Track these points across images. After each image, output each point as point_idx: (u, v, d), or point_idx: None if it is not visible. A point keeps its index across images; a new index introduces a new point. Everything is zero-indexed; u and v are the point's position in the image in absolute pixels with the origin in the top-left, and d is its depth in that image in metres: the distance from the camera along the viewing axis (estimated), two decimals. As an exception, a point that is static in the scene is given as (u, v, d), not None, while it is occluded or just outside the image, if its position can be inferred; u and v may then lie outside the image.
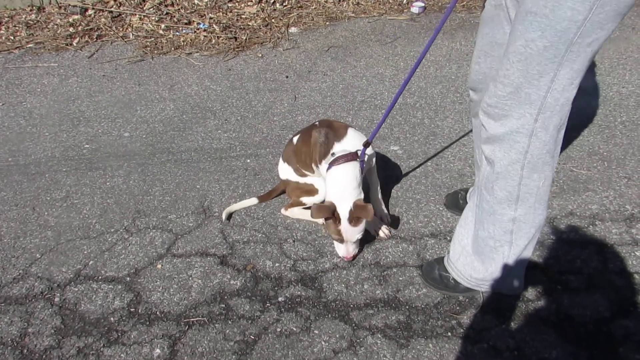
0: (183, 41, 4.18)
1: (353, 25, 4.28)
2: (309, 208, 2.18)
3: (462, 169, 2.48)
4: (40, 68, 3.92)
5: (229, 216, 2.29)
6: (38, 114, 3.32)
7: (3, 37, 4.38)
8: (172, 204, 2.41)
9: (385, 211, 2.18)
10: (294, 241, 2.14)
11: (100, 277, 2.02)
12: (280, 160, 2.24)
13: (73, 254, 2.16)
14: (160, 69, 3.80)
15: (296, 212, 2.23)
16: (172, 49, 4.09)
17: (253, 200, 2.34)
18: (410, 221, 2.19)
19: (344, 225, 1.81)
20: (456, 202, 2.15)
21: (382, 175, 2.44)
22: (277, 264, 2.02)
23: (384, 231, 2.07)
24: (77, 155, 2.85)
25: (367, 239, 2.06)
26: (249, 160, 2.70)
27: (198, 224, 2.28)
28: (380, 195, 2.16)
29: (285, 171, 2.19)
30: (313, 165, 2.00)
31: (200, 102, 3.32)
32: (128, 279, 2.01)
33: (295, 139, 2.16)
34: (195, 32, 4.29)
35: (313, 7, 4.61)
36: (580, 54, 1.25)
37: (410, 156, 2.61)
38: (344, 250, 1.88)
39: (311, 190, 2.14)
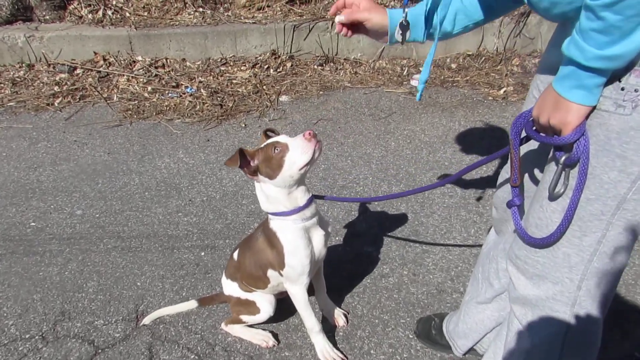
0: (167, 106, 4.06)
1: (348, 96, 4.12)
2: (251, 326, 1.92)
3: (442, 282, 2.17)
4: (14, 129, 3.82)
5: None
6: (-6, 182, 3.15)
7: (-15, 94, 4.33)
8: (103, 306, 2.15)
9: (338, 310, 2.02)
10: (229, 369, 1.83)
11: (-9, 404, 1.73)
12: (224, 277, 1.97)
13: (-27, 367, 1.88)
14: (135, 136, 3.65)
15: (237, 330, 1.95)
16: (154, 113, 3.97)
17: (192, 304, 2.07)
18: (372, 351, 1.87)
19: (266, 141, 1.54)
20: (428, 332, 1.84)
21: (347, 283, 2.15)
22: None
23: (342, 317, 1.98)
24: (19, 236, 2.63)
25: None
26: (203, 254, 2.44)
27: (126, 335, 2.00)
28: (327, 298, 2.02)
29: (229, 287, 1.93)
30: (269, 271, 1.73)
31: (168, 177, 3.11)
32: (25, 407, 1.71)
33: (235, 255, 1.90)
34: (181, 96, 4.18)
35: (308, 75, 4.49)
36: (638, 212, 1.00)
37: (385, 261, 2.32)
38: (297, 137, 1.50)
39: (253, 309, 1.86)
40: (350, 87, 4.28)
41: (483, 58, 4.56)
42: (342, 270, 2.27)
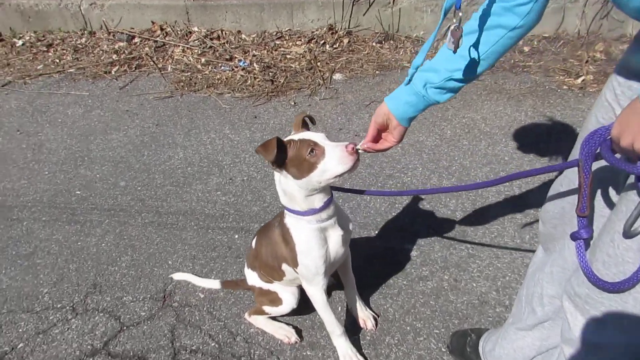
0: (218, 79, 4.02)
1: (404, 76, 3.88)
2: (274, 319, 1.84)
3: (486, 293, 1.99)
4: (71, 96, 3.92)
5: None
6: (48, 148, 3.26)
7: (49, 60, 4.49)
8: (133, 282, 2.15)
9: (367, 311, 1.90)
10: (248, 362, 1.77)
11: (17, 371, 1.77)
12: (245, 266, 1.90)
13: (6, 330, 1.95)
14: (184, 109, 3.64)
15: (260, 322, 1.89)
16: (205, 86, 3.94)
17: (215, 284, 2.05)
18: (399, 361, 1.74)
19: (300, 135, 1.37)
20: (462, 349, 1.68)
21: (381, 282, 2.02)
22: (216, 394, 1.66)
23: (370, 319, 1.87)
24: (64, 203, 2.70)
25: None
26: (236, 236, 2.39)
27: (151, 314, 1.99)
28: (358, 297, 1.89)
29: (252, 277, 1.85)
30: (283, 265, 1.64)
31: (212, 153, 3.08)
32: (48, 378, 1.74)
33: (253, 243, 1.82)
34: (233, 69, 4.12)
35: (365, 53, 4.28)
36: None
37: (426, 262, 2.16)
38: (336, 146, 1.32)
39: (275, 300, 1.79)
40: (409, 68, 4.04)
41: (561, 41, 4.15)
42: (377, 268, 2.13)
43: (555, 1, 4.04)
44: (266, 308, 1.82)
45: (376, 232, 2.35)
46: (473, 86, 3.67)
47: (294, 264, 1.57)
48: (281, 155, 1.35)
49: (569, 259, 1.20)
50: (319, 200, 1.43)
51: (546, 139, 3.00)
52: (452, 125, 3.21)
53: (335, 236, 1.55)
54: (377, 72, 4.01)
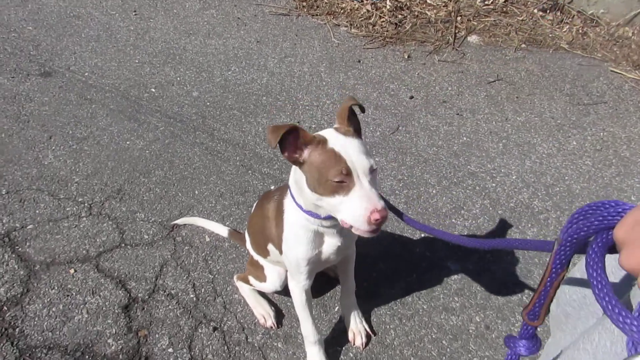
0: (342, 8, 3.69)
1: (555, 60, 3.21)
2: (261, 294, 1.72)
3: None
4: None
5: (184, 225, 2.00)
6: (150, 36, 3.28)
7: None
8: (153, 200, 2.10)
9: (362, 325, 1.63)
10: (214, 330, 1.63)
11: (16, 250, 1.83)
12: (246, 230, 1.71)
13: (26, 207, 2.03)
14: (292, 32, 3.41)
15: (245, 290, 1.73)
16: (326, 12, 3.64)
17: (223, 230, 1.91)
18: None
19: (339, 141, 1.08)
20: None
21: (397, 296, 1.72)
22: (174, 354, 1.56)
23: (361, 336, 1.59)
24: (135, 97, 2.71)
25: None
26: (273, 187, 2.20)
27: (152, 240, 1.93)
28: (355, 306, 1.64)
29: (248, 242, 1.67)
30: (269, 245, 1.44)
31: (295, 88, 2.86)
32: (37, 267, 1.78)
33: (254, 206, 1.61)
34: (362, 1, 3.74)
35: (521, 18, 3.60)
36: None
37: (462, 292, 1.78)
38: (365, 201, 1.02)
39: (260, 275, 1.61)
40: (565, 51, 3.33)
41: None
42: (399, 277, 1.82)
43: None
44: (251, 279, 1.65)
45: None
46: (637, 94, 2.90)
47: (279, 249, 1.35)
48: (291, 149, 1.09)
49: None
50: (326, 212, 1.15)
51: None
52: (582, 136, 2.58)
53: (332, 243, 1.28)
54: (523, 45, 3.37)
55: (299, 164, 1.12)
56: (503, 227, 2.03)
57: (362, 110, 1.20)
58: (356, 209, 1.02)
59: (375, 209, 1.00)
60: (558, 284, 0.68)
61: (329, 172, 1.04)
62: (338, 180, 1.03)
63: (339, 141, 1.07)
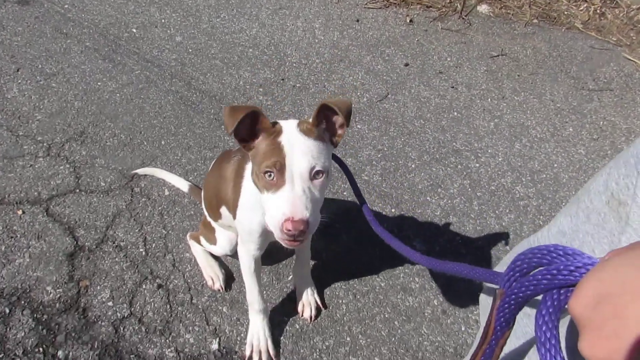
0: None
1: (565, 40, 3.04)
2: (213, 255, 1.64)
3: (470, 346, 1.53)
4: None
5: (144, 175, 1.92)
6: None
7: None
8: (116, 147, 2.01)
9: (314, 297, 1.56)
10: (159, 287, 1.57)
11: (-39, 184, 1.76)
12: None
13: (-18, 141, 1.94)
14: (292, -17, 3.23)
15: (197, 249, 1.67)
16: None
17: (184, 185, 1.84)
18: (304, 377, 1.42)
19: (291, 136, 0.98)
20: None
21: (354, 271, 1.65)
22: (113, 307, 1.50)
23: (310, 308, 1.53)
24: (114, 36, 2.58)
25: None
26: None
27: (109, 188, 1.85)
28: (308, 277, 1.58)
29: (203, 200, 1.59)
30: (222, 207, 1.36)
31: (285, 43, 2.72)
32: (-17, 204, 1.71)
33: (212, 164, 1.52)
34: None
35: (535, -9, 3.40)
36: None
37: (423, 273, 1.71)
38: (286, 205, 0.93)
39: (210, 237, 1.55)
40: (578, 31, 3.15)
41: None
42: (360, 254, 1.74)
43: None
44: (202, 240, 1.59)
45: (393, 207, 1.90)
46: (645, 85, 2.75)
47: (233, 214, 1.27)
48: (246, 133, 1.01)
49: None
50: None
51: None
52: (580, 123, 2.45)
53: None
54: (535, 20, 3.19)
55: (249, 149, 1.03)
56: (479, 210, 1.94)
57: (347, 120, 1.02)
58: (274, 211, 0.95)
59: (292, 217, 0.91)
60: (504, 342, 0.60)
61: (262, 163, 0.96)
62: (266, 172, 0.96)
63: (291, 136, 0.98)
